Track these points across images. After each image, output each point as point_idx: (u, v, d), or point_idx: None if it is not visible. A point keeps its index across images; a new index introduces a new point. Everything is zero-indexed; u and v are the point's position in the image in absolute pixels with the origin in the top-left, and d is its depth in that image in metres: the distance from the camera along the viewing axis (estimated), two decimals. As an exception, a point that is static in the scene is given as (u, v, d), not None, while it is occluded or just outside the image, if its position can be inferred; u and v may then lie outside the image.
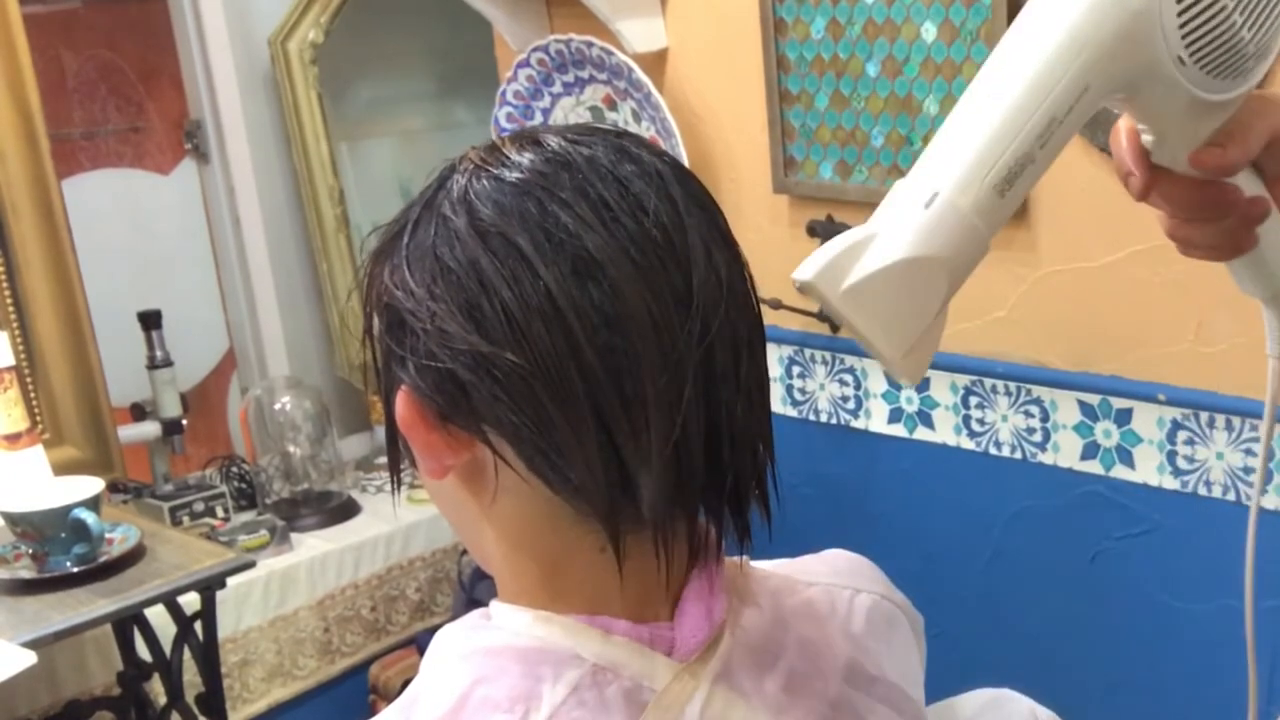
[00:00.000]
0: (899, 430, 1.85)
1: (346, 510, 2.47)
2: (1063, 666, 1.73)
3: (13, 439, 1.90)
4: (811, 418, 1.96)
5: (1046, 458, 1.70)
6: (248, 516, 2.38)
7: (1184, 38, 0.63)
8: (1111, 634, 1.69)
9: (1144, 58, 0.64)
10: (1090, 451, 1.65)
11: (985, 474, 1.76)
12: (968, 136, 0.64)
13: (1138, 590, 1.64)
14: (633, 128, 1.94)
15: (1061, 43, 0.63)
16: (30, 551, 1.81)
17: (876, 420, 1.88)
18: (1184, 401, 1.54)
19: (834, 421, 1.94)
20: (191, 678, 1.98)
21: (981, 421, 1.75)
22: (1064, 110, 0.63)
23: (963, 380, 1.75)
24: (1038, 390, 1.68)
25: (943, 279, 0.63)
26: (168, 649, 1.95)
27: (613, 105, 2.00)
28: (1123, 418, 1.61)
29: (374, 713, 2.27)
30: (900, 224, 0.63)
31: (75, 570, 1.77)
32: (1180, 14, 0.62)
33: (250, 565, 1.92)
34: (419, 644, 2.44)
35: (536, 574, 0.64)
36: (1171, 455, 1.57)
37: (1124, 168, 0.71)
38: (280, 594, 2.28)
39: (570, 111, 2.05)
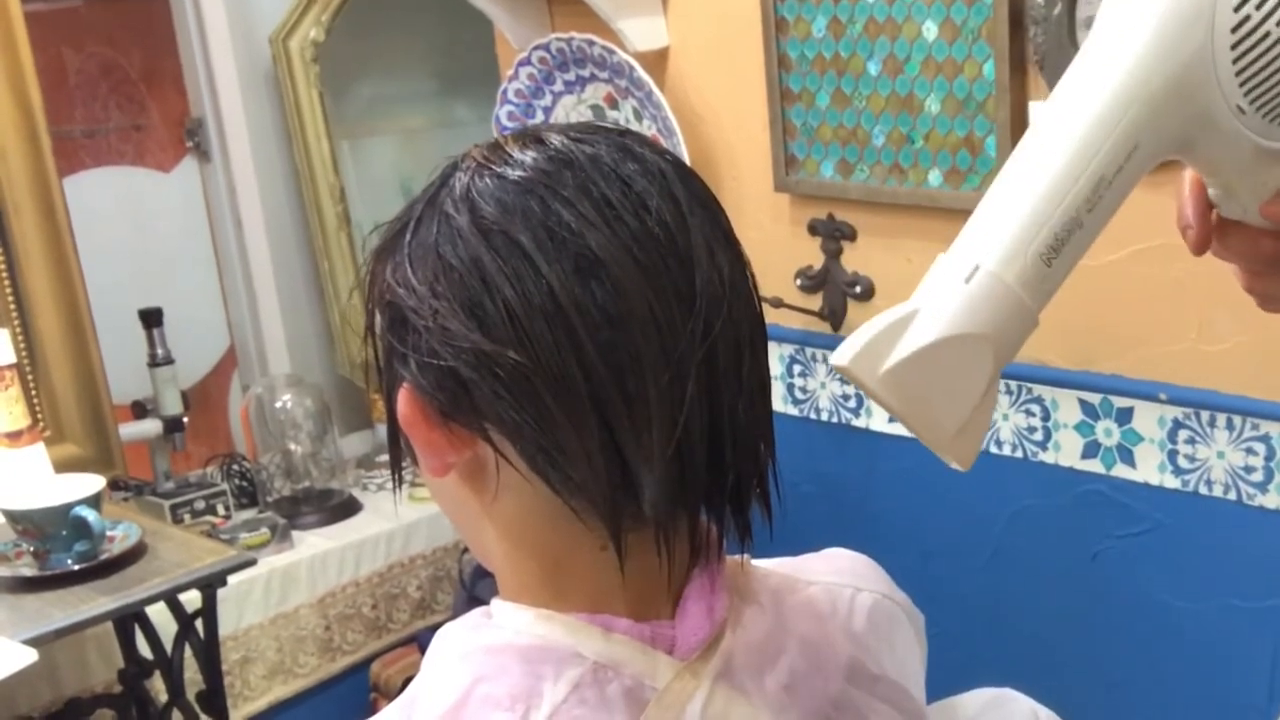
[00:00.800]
0: (900, 429, 1.85)
1: (347, 508, 2.47)
2: (1063, 665, 1.74)
3: (14, 436, 1.90)
4: (813, 416, 1.96)
5: (1047, 456, 1.70)
6: (249, 514, 2.38)
7: (1241, 85, 0.59)
8: (1112, 633, 1.69)
9: (1198, 109, 0.60)
10: (1091, 450, 1.65)
11: (986, 473, 1.76)
12: (1010, 204, 0.60)
13: (1138, 589, 1.64)
14: (634, 126, 1.94)
15: (1107, 99, 0.59)
16: (31, 549, 1.81)
17: (878, 419, 1.88)
18: (1185, 400, 1.54)
19: (835, 420, 1.94)
20: (192, 675, 1.98)
21: (982, 420, 1.75)
22: (1113, 170, 0.59)
23: (964, 379, 1.75)
24: (1039, 389, 1.68)
25: (988, 357, 0.58)
26: (169, 647, 1.95)
27: (614, 104, 2.00)
28: (1124, 417, 1.61)
29: (375, 711, 2.27)
30: (940, 301, 0.59)
31: (76, 568, 1.77)
32: (1235, 60, 0.58)
33: (251, 563, 1.92)
34: (420, 642, 2.44)
35: (538, 572, 0.64)
36: (1172, 454, 1.57)
37: (1183, 220, 0.68)
38: (281, 592, 2.28)
39: (571, 110, 2.05)
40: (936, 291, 0.59)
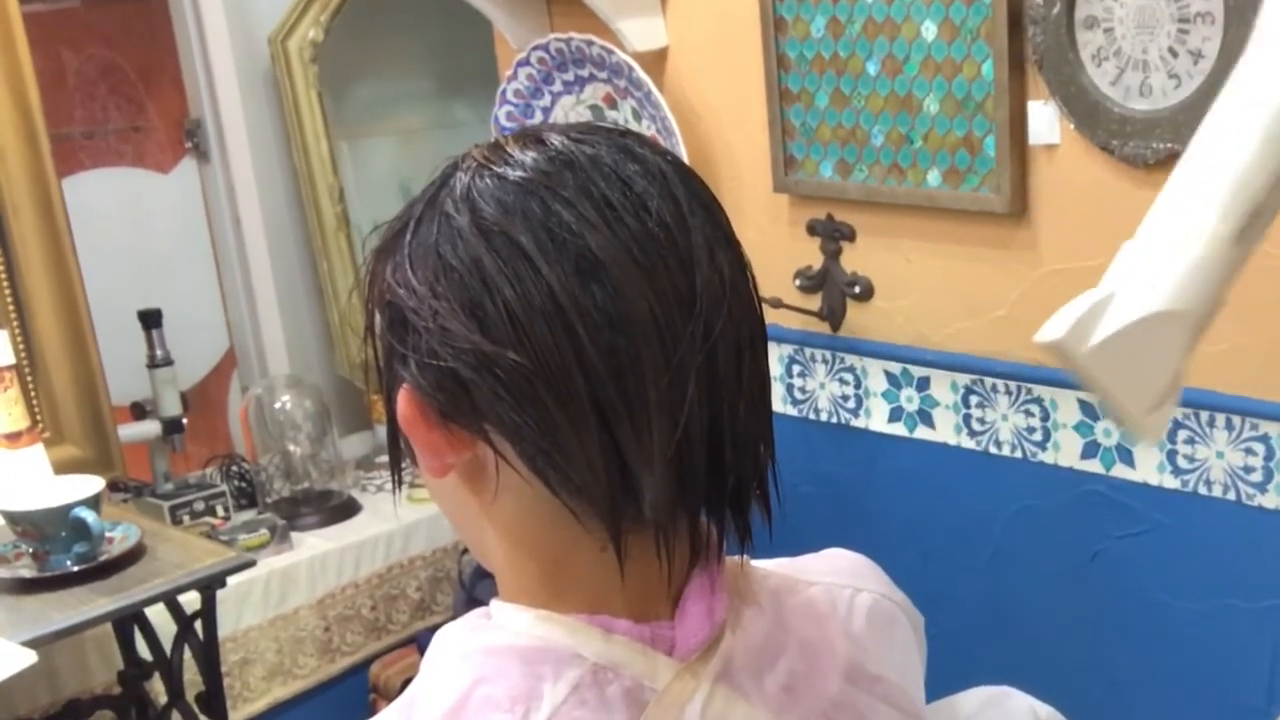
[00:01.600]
0: (899, 429, 1.85)
1: (347, 509, 2.47)
2: (1063, 665, 1.73)
3: (13, 438, 1.90)
4: (812, 417, 1.96)
5: (1047, 457, 1.70)
6: (248, 515, 2.38)
7: None
8: (1111, 633, 1.69)
9: None
10: (1090, 450, 1.65)
11: (985, 473, 1.76)
12: (1200, 189, 0.63)
13: (1138, 589, 1.64)
14: (633, 126, 1.94)
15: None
16: (31, 550, 1.81)
17: (877, 419, 1.88)
18: (1184, 400, 1.53)
19: (834, 420, 1.94)
20: (192, 677, 1.98)
21: (982, 420, 1.75)
22: None
23: (963, 379, 1.75)
24: (1038, 389, 1.68)
25: (1185, 333, 0.62)
26: (168, 648, 1.95)
27: (613, 104, 2.00)
28: (1123, 417, 1.60)
29: (374, 712, 2.27)
30: (1138, 282, 0.62)
31: (75, 569, 1.77)
32: None
33: (250, 564, 1.92)
34: (419, 643, 2.44)
35: (537, 573, 0.64)
36: (1172, 454, 1.57)
37: None
38: (280, 593, 2.28)
39: (570, 110, 2.05)
40: (1131, 274, 0.63)
